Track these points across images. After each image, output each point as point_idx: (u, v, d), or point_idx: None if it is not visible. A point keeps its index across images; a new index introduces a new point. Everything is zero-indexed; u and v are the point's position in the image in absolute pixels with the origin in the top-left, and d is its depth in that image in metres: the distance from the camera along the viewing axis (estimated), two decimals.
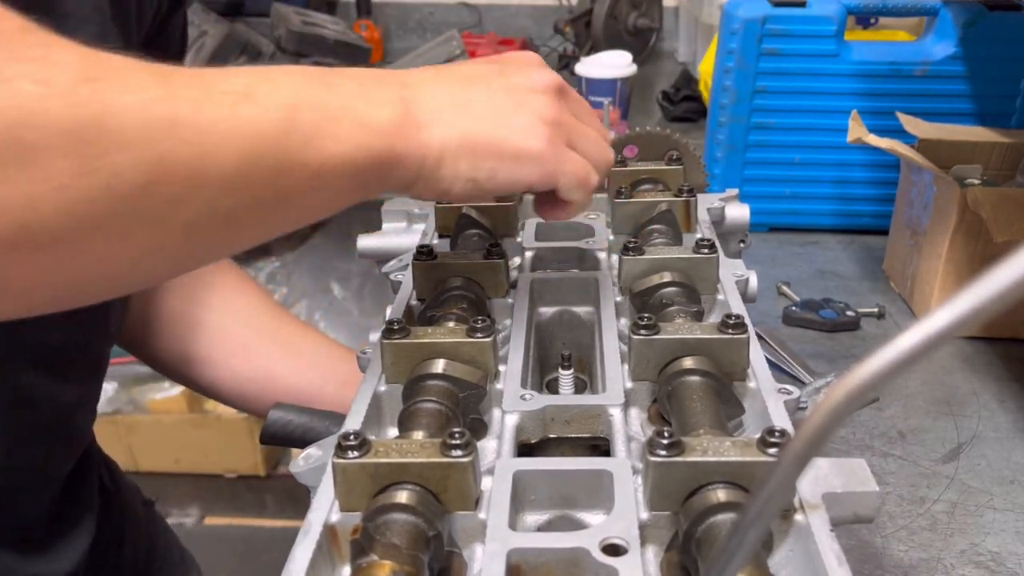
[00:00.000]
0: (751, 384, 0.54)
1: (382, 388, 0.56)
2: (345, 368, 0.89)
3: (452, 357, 0.54)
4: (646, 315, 0.55)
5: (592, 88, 1.66)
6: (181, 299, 0.89)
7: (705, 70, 1.65)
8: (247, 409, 0.93)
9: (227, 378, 0.89)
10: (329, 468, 0.44)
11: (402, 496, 0.42)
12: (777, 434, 0.43)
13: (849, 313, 1.04)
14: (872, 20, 1.59)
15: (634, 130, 0.81)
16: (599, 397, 0.53)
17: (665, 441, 0.42)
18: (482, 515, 0.44)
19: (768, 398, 0.51)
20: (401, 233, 0.80)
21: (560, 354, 0.62)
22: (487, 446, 0.51)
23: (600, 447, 0.53)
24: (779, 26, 1.17)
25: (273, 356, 0.89)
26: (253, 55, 1.89)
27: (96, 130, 0.36)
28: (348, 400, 0.85)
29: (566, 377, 0.61)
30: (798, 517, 0.42)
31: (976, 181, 1.04)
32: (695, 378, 0.52)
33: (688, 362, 0.53)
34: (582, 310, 0.66)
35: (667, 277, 0.62)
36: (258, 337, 0.90)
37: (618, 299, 0.64)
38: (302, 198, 0.46)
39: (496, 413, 0.55)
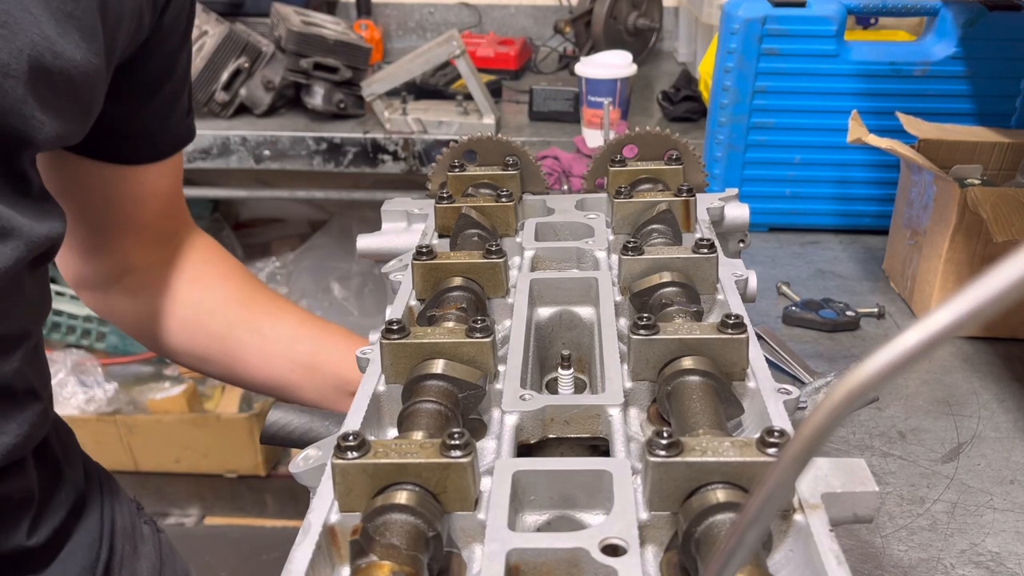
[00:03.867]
0: (750, 384, 0.54)
1: (381, 388, 0.56)
2: (305, 350, 0.92)
3: (451, 357, 0.54)
4: (645, 315, 0.55)
5: (592, 88, 1.66)
6: (174, 300, 0.93)
7: (705, 70, 1.65)
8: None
9: (206, 366, 0.96)
10: (328, 468, 0.44)
11: (401, 496, 0.42)
12: (776, 434, 0.43)
13: (849, 313, 1.04)
14: (872, 20, 1.59)
15: (634, 130, 0.81)
16: (598, 397, 0.52)
17: (664, 441, 0.42)
18: (481, 515, 0.44)
19: (767, 398, 0.51)
20: (401, 233, 0.80)
21: (560, 354, 0.62)
22: (486, 446, 0.51)
23: (600, 447, 0.53)
24: (779, 26, 1.17)
25: (246, 347, 0.93)
26: (253, 55, 1.89)
27: None
28: (314, 384, 0.86)
29: (565, 377, 0.60)
30: (797, 517, 0.42)
31: (976, 181, 1.04)
32: (694, 378, 0.52)
33: (687, 362, 0.53)
34: (582, 310, 0.66)
35: (666, 277, 0.62)
36: (229, 329, 0.93)
37: (618, 299, 0.64)
38: None
39: (495, 413, 0.55)
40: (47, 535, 0.75)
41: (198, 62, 1.84)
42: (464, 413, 0.54)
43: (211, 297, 0.94)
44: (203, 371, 0.99)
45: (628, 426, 0.52)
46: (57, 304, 2.29)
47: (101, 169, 0.85)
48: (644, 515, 0.43)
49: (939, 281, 1.00)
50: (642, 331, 0.54)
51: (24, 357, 0.69)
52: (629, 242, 0.65)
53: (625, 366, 0.56)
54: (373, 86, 1.81)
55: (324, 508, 0.44)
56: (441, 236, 0.75)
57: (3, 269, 0.62)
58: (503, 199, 0.74)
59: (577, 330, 0.66)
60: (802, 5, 1.17)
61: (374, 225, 0.81)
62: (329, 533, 0.43)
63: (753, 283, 0.68)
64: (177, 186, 0.94)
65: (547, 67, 2.27)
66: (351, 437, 0.43)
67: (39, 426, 0.72)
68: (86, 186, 0.87)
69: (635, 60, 1.70)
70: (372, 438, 0.47)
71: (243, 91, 1.88)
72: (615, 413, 0.51)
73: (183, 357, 0.96)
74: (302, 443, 0.78)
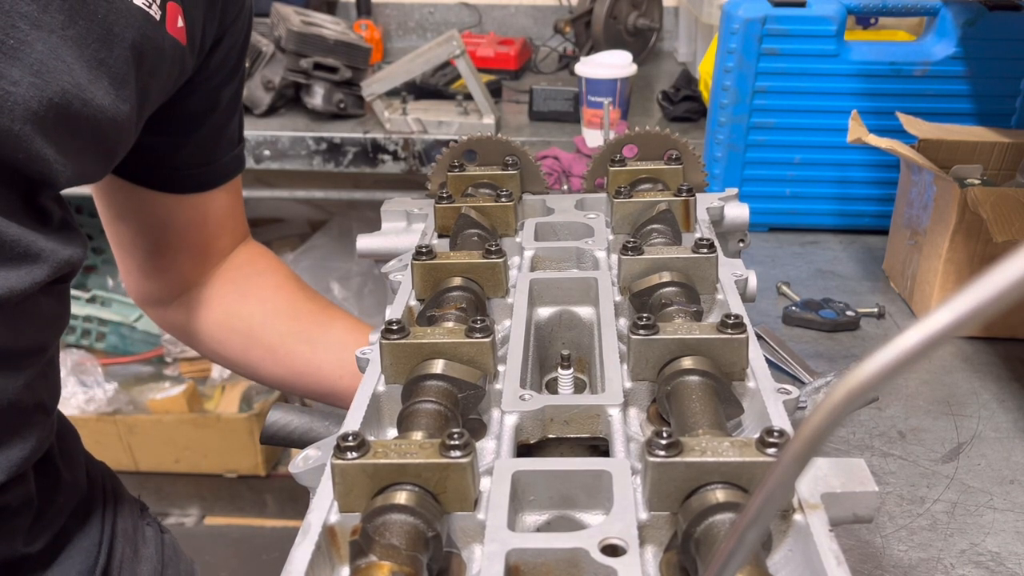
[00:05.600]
0: (750, 384, 0.54)
1: (381, 388, 0.56)
2: (352, 358, 0.93)
3: (451, 357, 0.54)
4: (645, 315, 0.55)
5: (592, 88, 1.66)
6: (224, 311, 0.96)
7: (705, 70, 1.65)
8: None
9: (260, 376, 0.99)
10: (328, 469, 0.44)
11: (401, 497, 0.42)
12: (776, 434, 0.43)
13: (849, 313, 1.04)
14: (872, 20, 1.59)
15: (634, 130, 0.81)
16: (598, 397, 0.52)
17: (664, 441, 0.42)
18: (481, 516, 0.44)
19: (767, 398, 0.51)
20: (401, 233, 0.80)
21: (559, 354, 0.62)
22: (486, 446, 0.51)
23: (599, 447, 0.53)
24: (779, 26, 1.17)
25: (296, 357, 0.95)
26: (253, 55, 1.89)
27: None
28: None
29: (565, 377, 0.60)
30: (797, 517, 0.42)
31: (976, 181, 1.04)
32: (694, 378, 0.52)
33: (687, 362, 0.53)
34: (581, 310, 0.66)
35: (666, 277, 0.62)
36: (281, 340, 0.95)
37: (617, 299, 0.64)
38: None
39: (495, 413, 0.55)
40: (45, 541, 0.75)
41: None
42: (464, 413, 0.54)
43: (262, 310, 0.96)
44: (260, 381, 1.02)
45: (628, 426, 0.52)
46: None
47: (155, 196, 0.88)
48: (644, 515, 0.43)
49: (939, 281, 1.00)
50: (642, 331, 0.54)
51: (37, 372, 0.69)
52: (629, 242, 0.65)
53: (625, 366, 0.56)
54: (373, 86, 1.81)
55: (324, 508, 0.44)
56: (441, 236, 0.75)
57: (24, 289, 0.63)
58: (503, 199, 0.74)
59: (577, 330, 0.66)
60: (802, 5, 1.17)
61: (374, 225, 0.81)
62: (329, 533, 0.43)
63: (753, 283, 0.68)
64: (232, 207, 0.96)
65: (547, 67, 2.27)
66: (351, 437, 0.43)
67: (45, 439, 0.73)
68: (142, 212, 0.89)
69: (635, 60, 1.70)
70: (372, 438, 0.47)
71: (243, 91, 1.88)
72: (615, 413, 0.51)
73: (239, 368, 0.99)
74: (302, 443, 0.78)
